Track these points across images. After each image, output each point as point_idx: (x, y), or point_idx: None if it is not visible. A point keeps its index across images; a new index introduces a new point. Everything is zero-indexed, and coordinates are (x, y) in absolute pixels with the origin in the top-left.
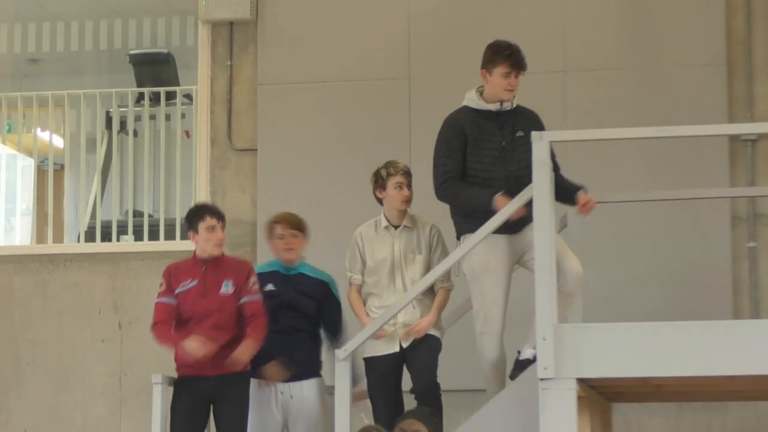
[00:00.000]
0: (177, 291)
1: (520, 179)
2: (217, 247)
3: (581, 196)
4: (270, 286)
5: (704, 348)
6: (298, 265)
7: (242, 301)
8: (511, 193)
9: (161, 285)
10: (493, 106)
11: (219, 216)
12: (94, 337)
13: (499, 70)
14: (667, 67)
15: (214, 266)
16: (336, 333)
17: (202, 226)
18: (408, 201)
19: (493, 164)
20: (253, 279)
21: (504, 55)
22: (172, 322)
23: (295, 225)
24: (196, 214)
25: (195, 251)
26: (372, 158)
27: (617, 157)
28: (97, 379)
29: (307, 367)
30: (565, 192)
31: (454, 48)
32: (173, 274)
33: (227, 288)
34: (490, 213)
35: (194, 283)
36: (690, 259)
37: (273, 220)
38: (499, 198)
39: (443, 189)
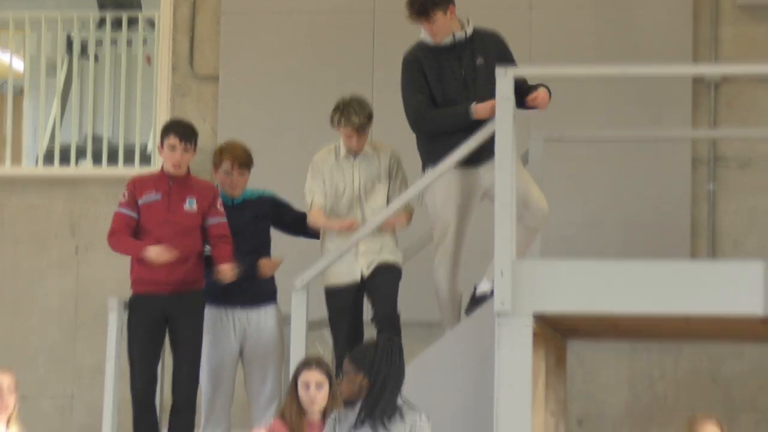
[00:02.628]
0: (140, 202)
1: None
2: (174, 168)
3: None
4: None
5: (661, 287)
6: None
7: (209, 222)
8: (478, 124)
9: (124, 195)
10: (447, 40)
11: (183, 136)
12: (50, 262)
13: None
14: (633, 6)
15: (180, 182)
16: (305, 230)
17: (166, 143)
18: (359, 147)
19: (457, 98)
20: (219, 201)
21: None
22: (130, 233)
23: (245, 163)
24: (164, 130)
25: (162, 165)
26: (334, 90)
27: (581, 95)
28: (52, 304)
29: (264, 292)
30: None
31: None
32: (137, 186)
33: (191, 205)
34: (460, 137)
35: (158, 196)
36: (649, 200)
37: (222, 152)
38: (476, 106)
39: (421, 120)
